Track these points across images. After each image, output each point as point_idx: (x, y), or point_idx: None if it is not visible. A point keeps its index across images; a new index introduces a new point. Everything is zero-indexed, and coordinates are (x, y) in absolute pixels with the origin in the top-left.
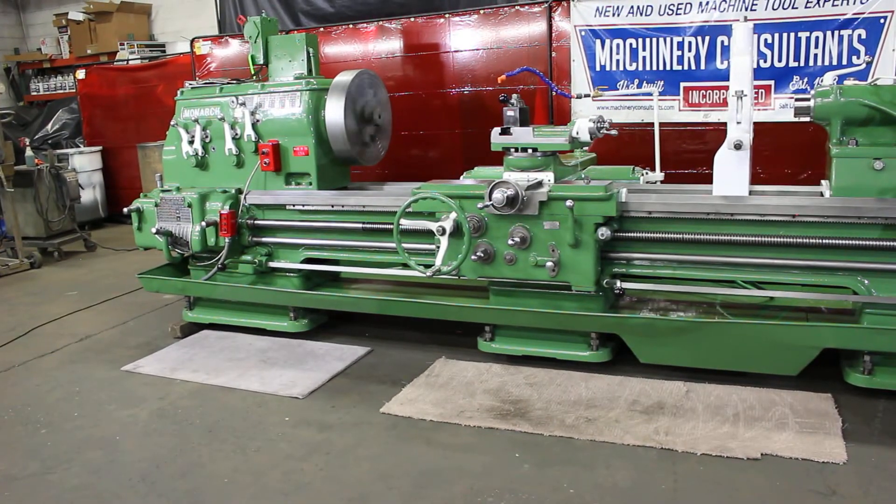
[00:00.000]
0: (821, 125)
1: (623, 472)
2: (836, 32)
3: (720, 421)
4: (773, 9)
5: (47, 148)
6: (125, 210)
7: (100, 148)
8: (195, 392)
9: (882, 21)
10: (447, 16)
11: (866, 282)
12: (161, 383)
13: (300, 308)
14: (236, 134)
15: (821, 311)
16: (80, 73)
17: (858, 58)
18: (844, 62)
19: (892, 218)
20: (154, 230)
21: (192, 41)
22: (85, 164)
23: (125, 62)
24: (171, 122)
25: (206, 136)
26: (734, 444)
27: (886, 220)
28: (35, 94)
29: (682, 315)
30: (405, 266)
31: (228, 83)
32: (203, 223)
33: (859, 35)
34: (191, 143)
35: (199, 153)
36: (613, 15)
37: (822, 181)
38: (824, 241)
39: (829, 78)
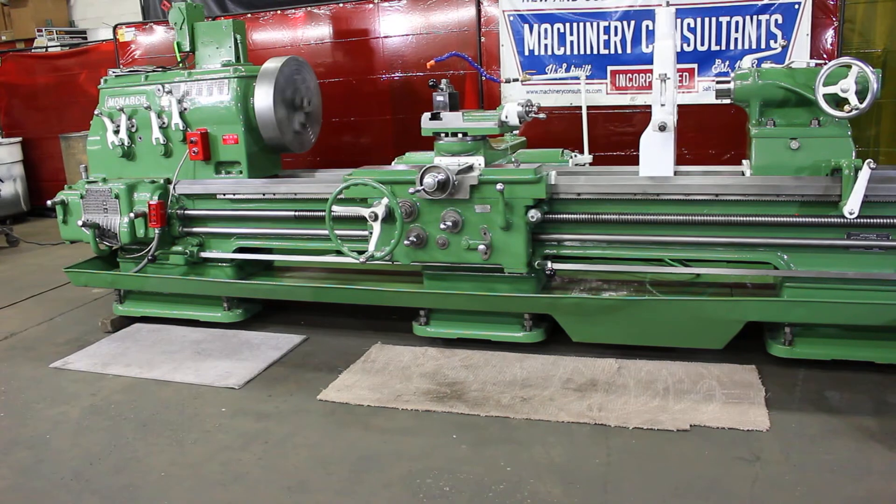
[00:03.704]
0: (741, 107)
1: (558, 448)
2: (755, 17)
3: (651, 395)
4: None
5: None
6: (49, 202)
7: (19, 139)
8: (129, 387)
9: (797, 7)
10: (376, 1)
11: (785, 257)
12: (92, 379)
13: (234, 298)
14: (163, 123)
15: (745, 286)
16: None
17: (775, 42)
18: (763, 46)
19: (808, 195)
20: (80, 223)
21: (115, 28)
22: (4, 156)
23: (44, 49)
24: (95, 112)
25: (132, 126)
26: (664, 417)
27: (803, 197)
28: None
29: (612, 294)
30: (338, 253)
31: (154, 71)
32: (131, 214)
33: (776, 20)
34: (116, 132)
35: (126, 143)
36: (541, 0)
37: (744, 161)
38: (746, 218)
39: (747, 61)
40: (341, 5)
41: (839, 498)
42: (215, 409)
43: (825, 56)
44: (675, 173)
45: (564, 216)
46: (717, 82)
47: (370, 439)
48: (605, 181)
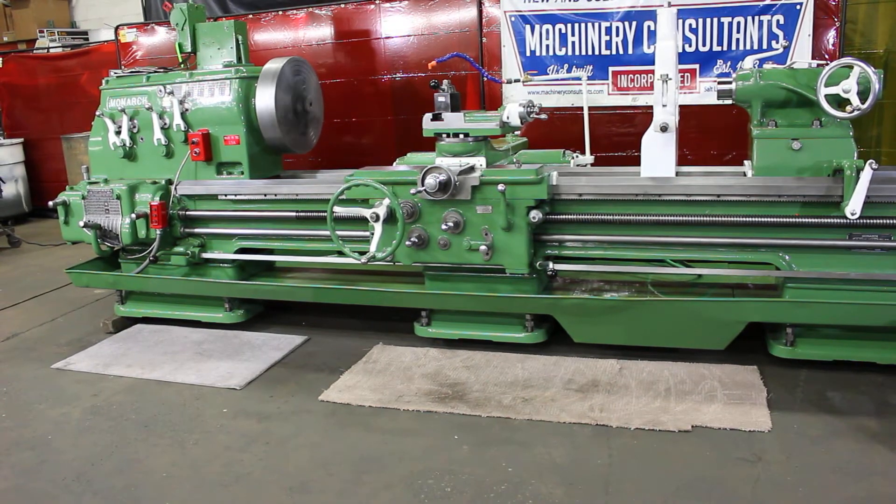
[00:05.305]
0: (743, 107)
1: (560, 449)
2: (757, 18)
3: (653, 396)
4: None
5: None
6: (51, 203)
7: (21, 140)
8: (130, 387)
9: (798, 7)
10: (378, 2)
11: (787, 257)
12: (94, 380)
13: (235, 299)
14: (165, 123)
15: (747, 286)
16: None
17: (777, 42)
18: (765, 46)
19: (809, 196)
20: (82, 223)
21: (117, 29)
22: (6, 156)
23: (46, 50)
24: (97, 113)
25: (134, 127)
26: (666, 418)
27: (804, 197)
28: None
29: (614, 295)
30: (340, 253)
31: (155, 72)
32: (133, 215)
33: (778, 21)
34: (118, 133)
35: (127, 144)
36: (543, 0)
37: (745, 161)
38: (747, 219)
39: (749, 62)
40: (343, 6)
41: (841, 499)
42: (217, 409)
43: (827, 57)
44: (677, 174)
45: (566, 217)
46: (719, 83)
47: (371, 440)
48: (607, 182)
